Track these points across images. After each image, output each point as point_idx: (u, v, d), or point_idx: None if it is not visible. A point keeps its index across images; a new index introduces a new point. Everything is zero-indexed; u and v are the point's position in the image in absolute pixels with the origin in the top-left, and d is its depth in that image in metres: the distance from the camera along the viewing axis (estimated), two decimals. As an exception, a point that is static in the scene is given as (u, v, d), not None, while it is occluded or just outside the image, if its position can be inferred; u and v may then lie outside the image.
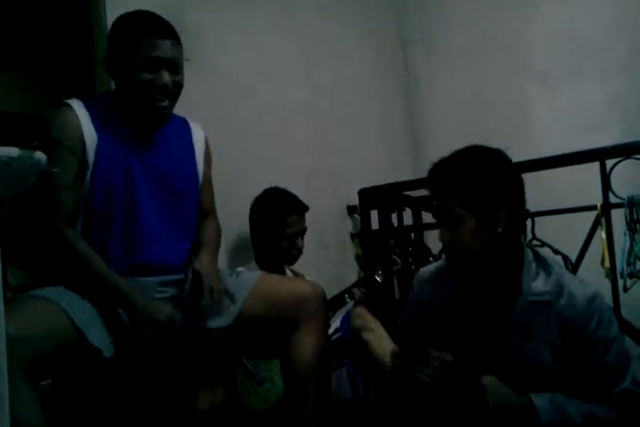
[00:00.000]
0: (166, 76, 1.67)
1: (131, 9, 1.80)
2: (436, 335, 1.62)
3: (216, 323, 1.69)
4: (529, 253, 1.53)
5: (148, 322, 1.56)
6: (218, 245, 1.88)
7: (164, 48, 1.67)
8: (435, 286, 1.67)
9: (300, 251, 2.43)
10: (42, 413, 1.38)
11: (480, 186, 1.45)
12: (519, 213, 1.52)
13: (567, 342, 1.47)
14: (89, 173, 1.63)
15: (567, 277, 1.53)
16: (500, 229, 1.46)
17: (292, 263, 2.46)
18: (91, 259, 1.59)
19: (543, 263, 1.53)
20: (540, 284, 1.50)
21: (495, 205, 1.46)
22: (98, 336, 1.52)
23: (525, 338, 1.49)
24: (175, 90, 1.71)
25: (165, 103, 1.70)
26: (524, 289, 1.49)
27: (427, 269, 1.74)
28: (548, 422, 1.40)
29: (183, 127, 1.85)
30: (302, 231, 2.44)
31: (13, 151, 1.08)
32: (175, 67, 1.70)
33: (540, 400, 1.42)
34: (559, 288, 1.48)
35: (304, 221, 2.45)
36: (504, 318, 1.52)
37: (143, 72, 1.65)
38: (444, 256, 1.65)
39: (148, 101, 1.67)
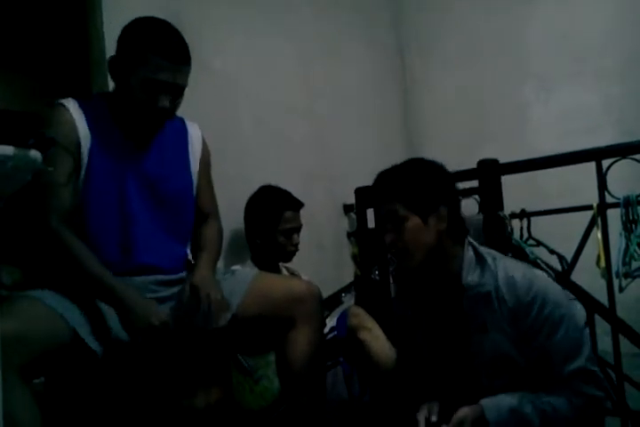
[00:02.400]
0: (165, 101, 1.62)
1: (127, 9, 1.78)
2: (411, 346, 1.69)
3: (211, 326, 1.68)
4: (470, 251, 1.61)
5: (140, 324, 1.54)
6: (219, 249, 1.85)
7: (173, 73, 1.60)
8: (399, 299, 1.79)
9: (296, 247, 2.43)
10: (37, 412, 1.37)
11: (420, 186, 1.58)
12: (457, 213, 1.63)
13: (516, 327, 1.51)
14: (82, 173, 1.62)
15: (504, 265, 1.59)
16: (442, 228, 1.57)
17: (289, 260, 2.46)
18: (86, 258, 1.57)
19: (480, 259, 1.60)
20: (475, 278, 1.56)
21: (435, 203, 1.57)
22: (90, 338, 1.52)
23: (482, 333, 1.54)
24: (172, 111, 1.68)
25: (161, 122, 1.68)
26: (464, 286, 1.56)
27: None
28: None
29: (179, 127, 1.82)
30: (298, 227, 2.44)
31: (9, 150, 1.08)
32: (178, 92, 1.65)
33: (495, 411, 1.46)
34: (494, 277, 1.55)
35: (299, 218, 2.45)
36: (460, 317, 1.58)
37: (143, 93, 1.60)
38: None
39: (142, 120, 1.65)
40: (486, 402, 1.47)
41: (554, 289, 1.55)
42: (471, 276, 1.56)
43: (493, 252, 1.65)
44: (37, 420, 1.38)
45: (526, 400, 1.47)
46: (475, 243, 1.65)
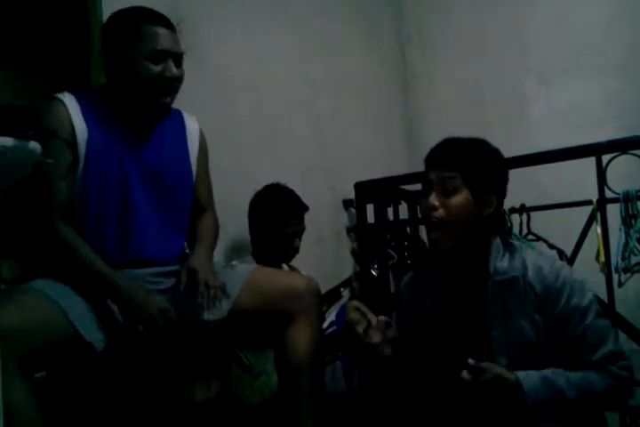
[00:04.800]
0: (173, 68, 1.65)
1: (127, 3, 1.77)
2: (424, 339, 1.65)
3: (211, 316, 1.68)
4: (498, 240, 1.60)
5: (140, 315, 1.54)
6: (214, 241, 1.86)
7: (170, 39, 1.65)
8: (414, 286, 1.74)
9: (296, 250, 2.42)
10: (35, 405, 1.38)
11: (486, 166, 1.55)
12: (500, 207, 1.62)
13: (545, 315, 1.50)
14: (80, 166, 1.62)
15: (533, 254, 1.59)
16: (486, 213, 1.55)
17: (288, 261, 2.46)
18: (83, 252, 1.58)
19: (509, 247, 1.59)
20: (504, 263, 1.55)
21: (489, 189, 1.56)
22: (90, 330, 1.52)
23: (506, 319, 1.53)
24: (179, 83, 1.70)
25: (168, 99, 1.69)
26: (491, 271, 1.55)
27: (407, 275, 1.82)
28: (536, 403, 1.42)
29: (177, 120, 1.82)
30: (300, 231, 2.43)
31: (8, 141, 1.07)
32: (179, 59, 1.68)
33: (529, 380, 1.43)
34: (523, 264, 1.54)
35: (303, 221, 2.44)
36: (481, 304, 1.56)
37: (151, 63, 1.63)
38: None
39: (153, 96, 1.66)
40: (518, 372, 1.45)
41: (577, 278, 1.55)
42: (499, 262, 1.55)
43: (520, 244, 1.64)
44: (35, 411, 1.38)
45: (559, 373, 1.46)
46: (503, 235, 1.64)
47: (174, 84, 1.68)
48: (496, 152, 1.60)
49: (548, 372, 1.46)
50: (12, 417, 1.25)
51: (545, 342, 1.51)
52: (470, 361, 1.40)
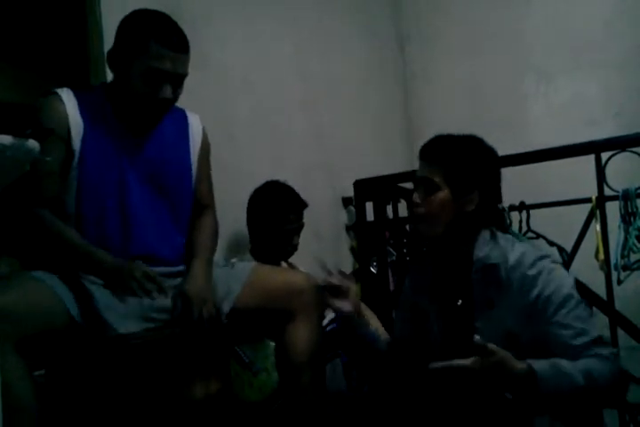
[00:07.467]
0: (167, 91, 1.62)
1: (126, 1, 1.77)
2: (422, 335, 1.66)
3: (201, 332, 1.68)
4: (487, 232, 1.61)
5: (124, 280, 1.55)
6: (214, 246, 1.84)
7: (174, 62, 1.61)
8: (413, 284, 1.75)
9: (294, 247, 2.42)
10: (32, 387, 1.39)
11: (467, 164, 1.57)
12: (490, 203, 1.64)
13: (523, 303, 1.50)
14: (75, 162, 1.62)
15: (520, 245, 1.59)
16: (468, 210, 1.57)
17: (287, 258, 2.46)
18: (64, 232, 1.59)
19: (495, 238, 1.61)
20: (485, 250, 1.57)
21: (471, 187, 1.57)
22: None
23: (489, 308, 1.54)
24: (173, 101, 1.68)
25: (157, 115, 1.68)
26: (474, 259, 1.57)
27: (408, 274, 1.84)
28: (548, 390, 1.36)
29: (180, 118, 1.81)
30: (299, 228, 2.43)
31: (7, 139, 1.08)
32: (179, 81, 1.65)
33: (540, 365, 1.37)
34: (503, 253, 1.55)
35: (302, 218, 2.44)
36: (469, 295, 1.58)
37: (144, 81, 1.60)
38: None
39: (143, 110, 1.65)
40: (530, 360, 1.39)
41: (561, 271, 1.54)
42: (482, 251, 1.57)
43: (511, 237, 1.65)
44: (32, 390, 1.39)
45: (564, 360, 1.40)
46: (496, 230, 1.64)
47: (164, 105, 1.66)
48: (485, 150, 1.62)
49: (551, 359, 1.40)
50: (8, 397, 1.25)
51: (524, 330, 1.49)
52: (476, 338, 1.34)
